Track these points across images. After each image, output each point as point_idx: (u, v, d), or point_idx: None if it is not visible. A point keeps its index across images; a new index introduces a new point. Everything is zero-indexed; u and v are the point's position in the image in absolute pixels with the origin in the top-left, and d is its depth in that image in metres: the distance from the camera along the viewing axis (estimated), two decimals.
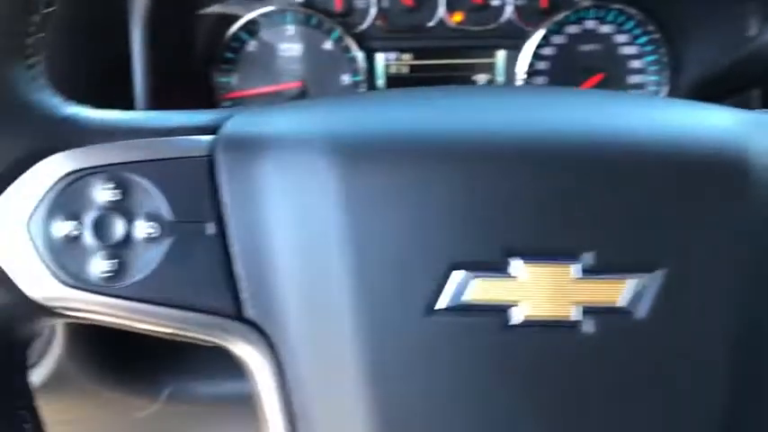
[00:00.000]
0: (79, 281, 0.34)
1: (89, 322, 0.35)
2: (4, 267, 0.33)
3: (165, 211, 0.34)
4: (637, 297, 0.32)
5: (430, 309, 0.33)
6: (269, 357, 0.35)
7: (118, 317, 0.35)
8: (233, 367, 0.62)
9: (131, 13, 0.66)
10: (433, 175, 0.33)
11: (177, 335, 0.36)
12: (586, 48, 0.81)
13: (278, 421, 0.35)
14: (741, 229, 0.33)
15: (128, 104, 0.67)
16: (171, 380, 0.67)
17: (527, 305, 0.33)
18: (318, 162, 0.34)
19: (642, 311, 0.32)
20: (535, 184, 0.33)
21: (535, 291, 0.32)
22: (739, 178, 0.33)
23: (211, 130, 0.36)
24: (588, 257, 0.33)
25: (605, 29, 0.81)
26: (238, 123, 0.36)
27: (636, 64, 0.81)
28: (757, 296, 0.33)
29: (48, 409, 0.38)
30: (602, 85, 0.80)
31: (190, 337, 0.36)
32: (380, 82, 0.81)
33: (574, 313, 0.32)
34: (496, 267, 0.33)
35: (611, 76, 0.81)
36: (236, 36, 0.79)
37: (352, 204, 0.33)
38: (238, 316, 0.34)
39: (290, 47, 0.80)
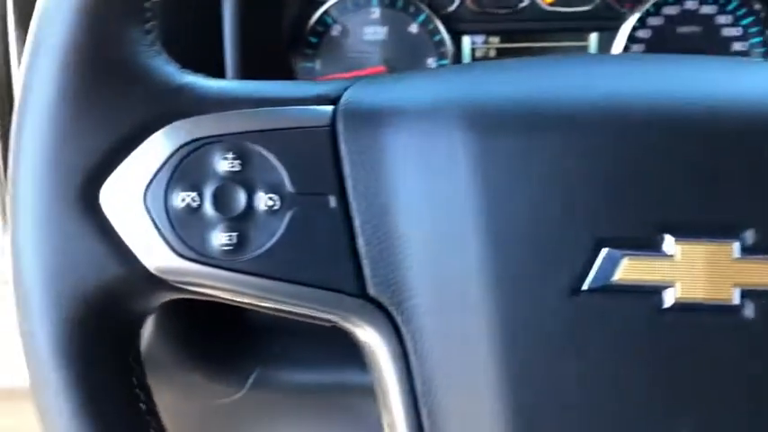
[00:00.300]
0: (198, 254, 0.32)
1: (206, 298, 0.34)
2: (124, 239, 0.32)
3: (286, 182, 0.33)
4: None
5: (575, 289, 0.30)
6: (391, 339, 0.33)
7: (236, 292, 0.33)
8: (323, 355, 0.61)
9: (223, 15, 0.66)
10: (578, 145, 0.31)
11: (295, 313, 0.34)
12: (685, 30, 0.77)
13: (399, 409, 0.33)
14: None
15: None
16: (257, 366, 0.66)
17: (683, 287, 0.30)
18: (450, 131, 0.32)
19: None
20: (691, 153, 0.30)
21: (692, 271, 0.30)
22: None
23: (331, 99, 0.34)
24: (749, 235, 0.30)
25: (706, 9, 0.76)
26: (359, 92, 0.34)
27: (738, 46, 0.76)
28: None
29: None
30: None
31: (307, 316, 0.34)
32: None
33: (735, 296, 0.30)
34: (649, 245, 0.30)
35: None
36: (320, 20, 0.77)
37: (488, 176, 0.31)
38: (360, 294, 0.33)
39: (375, 30, 0.78)
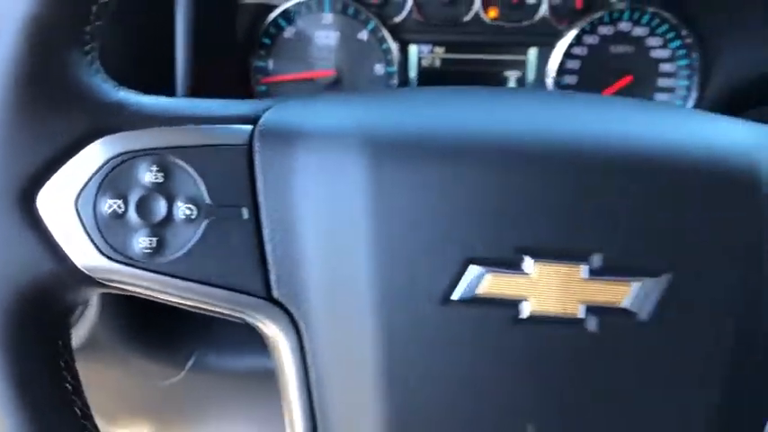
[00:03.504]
0: (122, 255, 0.36)
1: (129, 293, 0.38)
2: (57, 239, 0.36)
3: (204, 194, 0.37)
4: (641, 299, 0.34)
5: (446, 299, 0.35)
6: (292, 336, 0.37)
7: (155, 290, 0.37)
8: (256, 342, 0.66)
9: (176, 9, 0.69)
10: (455, 175, 0.35)
11: (209, 310, 0.38)
12: (618, 49, 0.81)
13: (296, 395, 0.37)
14: (747, 240, 0.35)
15: (169, 86, 0.70)
16: (195, 350, 0.70)
17: (536, 301, 0.35)
18: (350, 156, 0.36)
19: (645, 314, 0.34)
20: (550, 186, 0.35)
21: (545, 288, 0.35)
22: (748, 191, 0.35)
23: (251, 119, 0.38)
24: (597, 259, 0.34)
25: (639, 31, 0.81)
26: (276, 115, 0.39)
27: (667, 68, 0.82)
28: (757, 306, 0.35)
29: (79, 373, 0.41)
30: (631, 87, 0.81)
31: (220, 313, 0.38)
32: (413, 74, 0.82)
33: (580, 311, 0.34)
34: (510, 264, 0.35)
35: (642, 78, 0.81)
36: (274, 22, 0.81)
37: (378, 198, 0.35)
38: (266, 296, 0.37)
39: (327, 35, 0.82)
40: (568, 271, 0.35)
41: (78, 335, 0.65)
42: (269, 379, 0.71)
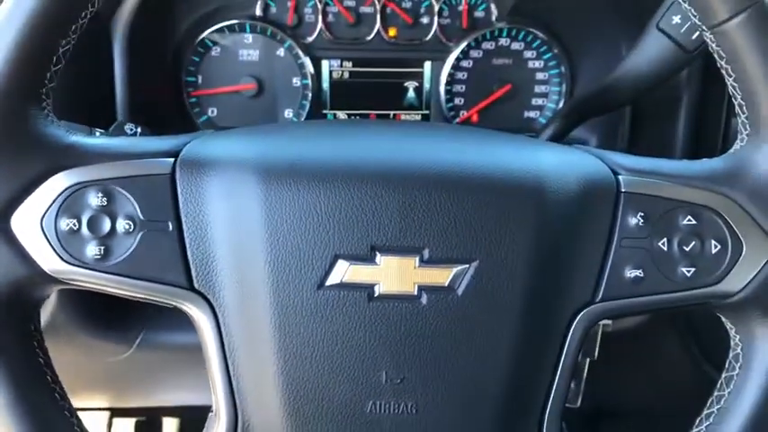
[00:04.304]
0: (78, 261, 0.48)
1: (85, 289, 0.50)
2: (28, 250, 0.48)
3: (138, 213, 0.49)
4: (458, 280, 0.48)
5: (321, 285, 0.48)
6: (210, 318, 0.50)
7: (104, 286, 0.49)
8: (191, 323, 0.78)
9: (114, 31, 0.80)
10: (325, 194, 0.48)
11: (146, 299, 0.51)
12: (500, 61, 0.96)
13: (215, 364, 0.50)
14: (534, 236, 0.49)
15: (111, 108, 0.81)
16: (142, 330, 0.83)
17: (384, 284, 0.48)
18: (248, 181, 0.49)
19: (461, 290, 0.48)
20: (393, 201, 0.48)
21: (390, 274, 0.48)
22: (535, 201, 0.49)
23: (173, 153, 0.51)
24: (426, 252, 0.48)
25: (516, 46, 0.95)
26: (194, 149, 0.51)
27: (541, 76, 0.96)
28: (543, 284, 0.49)
29: None
30: (511, 93, 0.96)
31: (155, 301, 0.51)
32: (325, 85, 0.95)
33: (415, 290, 0.48)
34: (366, 258, 0.48)
35: (521, 85, 0.96)
36: (202, 42, 0.92)
37: (270, 213, 0.48)
38: (189, 288, 0.49)
39: (249, 53, 0.94)
40: (406, 261, 0.48)
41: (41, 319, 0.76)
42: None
